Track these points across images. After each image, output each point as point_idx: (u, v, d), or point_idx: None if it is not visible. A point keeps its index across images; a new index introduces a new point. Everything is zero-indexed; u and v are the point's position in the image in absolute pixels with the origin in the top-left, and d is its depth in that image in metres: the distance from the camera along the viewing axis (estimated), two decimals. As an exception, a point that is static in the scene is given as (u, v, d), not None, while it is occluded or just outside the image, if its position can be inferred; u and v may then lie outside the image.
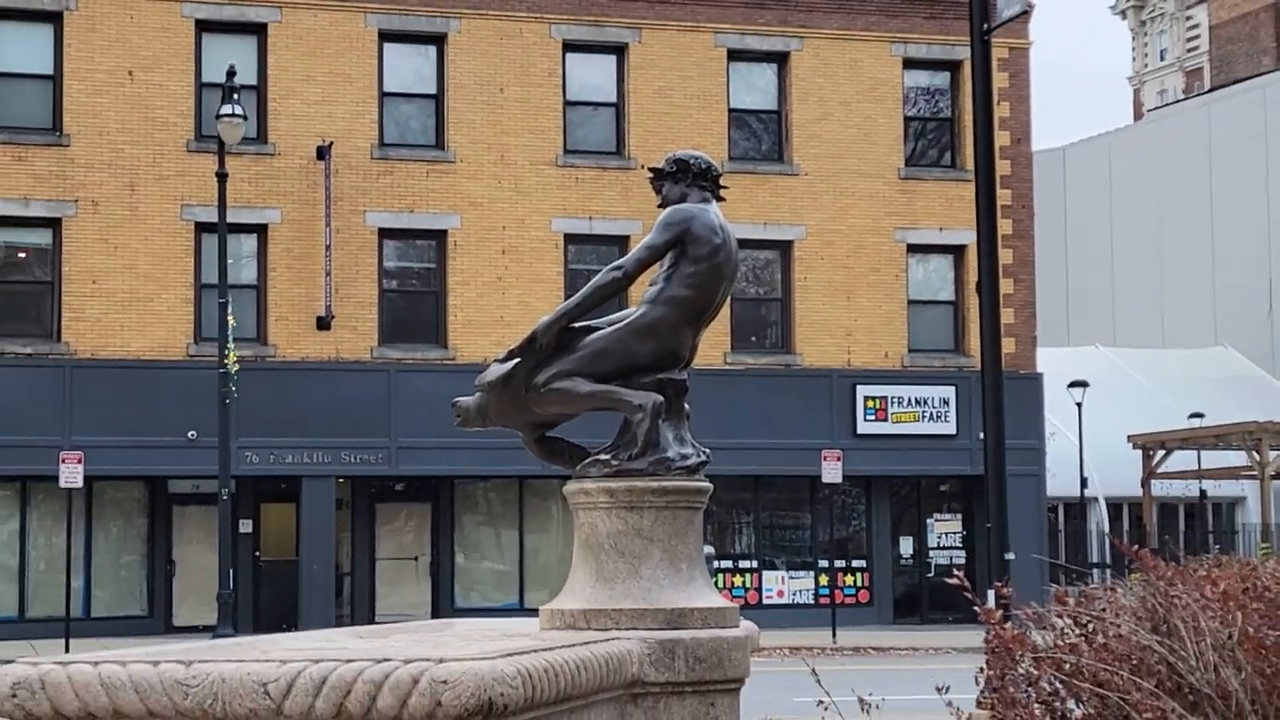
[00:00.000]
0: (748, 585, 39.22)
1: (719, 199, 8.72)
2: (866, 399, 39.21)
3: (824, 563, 39.14)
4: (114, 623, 34.59)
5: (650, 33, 38.69)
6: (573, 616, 7.32)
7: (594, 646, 5.96)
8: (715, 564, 38.19)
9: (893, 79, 40.25)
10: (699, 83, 38.89)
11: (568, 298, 37.75)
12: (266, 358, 35.51)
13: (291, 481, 35.95)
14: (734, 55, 39.42)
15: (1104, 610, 5.38)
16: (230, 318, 31.19)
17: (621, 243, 38.00)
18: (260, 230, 35.85)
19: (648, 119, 38.33)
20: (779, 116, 39.84)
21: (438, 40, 37.48)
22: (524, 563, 37.95)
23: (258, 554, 36.78)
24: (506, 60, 37.59)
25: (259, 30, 36.36)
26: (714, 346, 38.16)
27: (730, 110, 39.30)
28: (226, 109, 31.18)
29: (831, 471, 34.53)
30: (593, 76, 38.69)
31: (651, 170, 8.82)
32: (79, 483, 31.49)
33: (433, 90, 37.50)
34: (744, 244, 38.28)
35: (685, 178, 8.57)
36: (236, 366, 31.45)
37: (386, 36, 37.16)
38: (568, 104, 38.24)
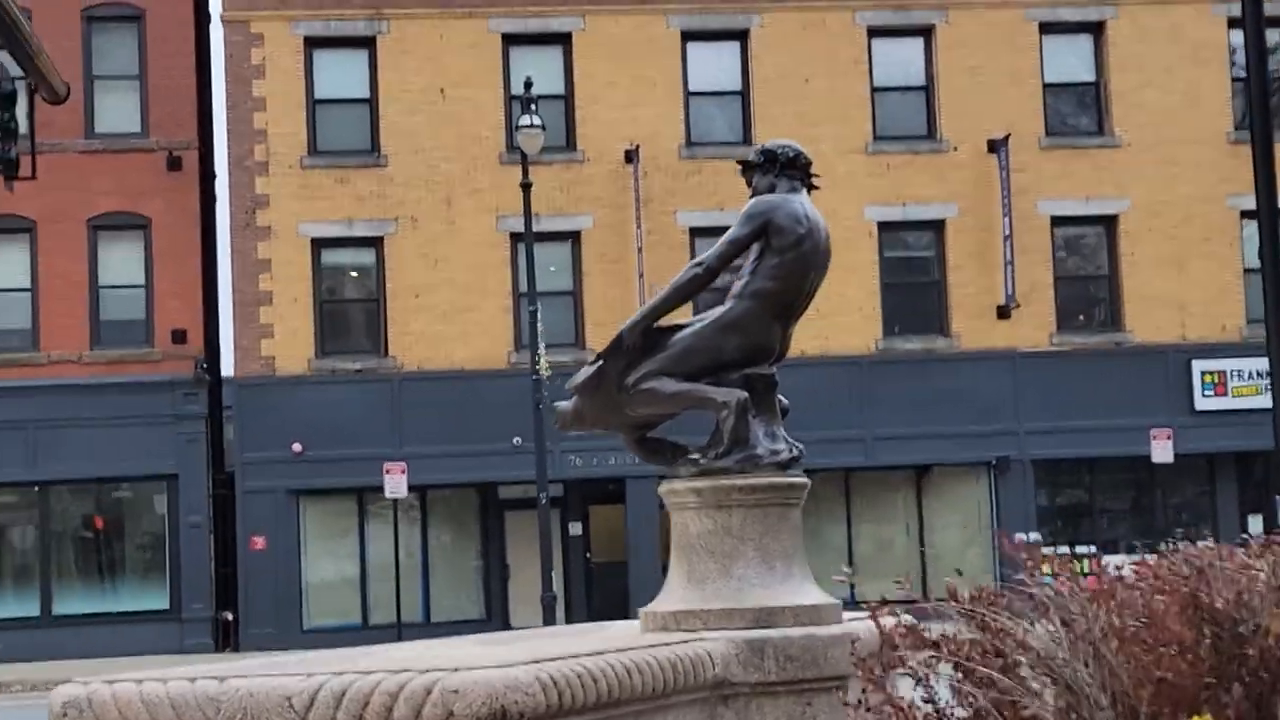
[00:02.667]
0: (1087, 570, 37.97)
1: (811, 187, 8.53)
2: (1204, 374, 37.69)
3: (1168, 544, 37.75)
4: (453, 627, 35.40)
5: (957, 12, 37.94)
6: (664, 619, 7.19)
7: (659, 649, 5.82)
8: (1050, 549, 37.21)
9: (1217, 40, 38.60)
10: (1010, 59, 37.97)
11: (883, 285, 37.21)
12: (582, 362, 35.83)
13: (618, 483, 36.38)
14: (1046, 28, 38.35)
15: (1006, 604, 5.02)
16: (540, 324, 31.68)
17: (936, 227, 37.45)
18: (573, 236, 36.40)
19: (959, 100, 37.60)
20: (1096, 87, 38.62)
21: (740, 36, 37.45)
22: (853, 555, 37.60)
23: (588, 555, 37.32)
24: (810, 50, 37.33)
25: (564, 40, 36.92)
26: (1038, 328, 37.29)
27: (1045, 85, 38.27)
28: (525, 120, 31.71)
29: (1161, 451, 33.30)
30: (900, 60, 38.12)
31: (740, 162, 8.71)
32: (404, 493, 32.45)
33: (738, 86, 37.50)
34: (1066, 220, 37.64)
35: (773, 168, 8.43)
36: (549, 372, 31.91)
37: (689, 36, 37.30)
38: (875, 90, 37.77)
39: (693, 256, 36.37)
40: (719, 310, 8.29)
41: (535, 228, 35.04)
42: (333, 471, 34.78)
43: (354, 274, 36.95)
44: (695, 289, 8.37)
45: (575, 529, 37.25)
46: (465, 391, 35.22)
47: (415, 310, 35.68)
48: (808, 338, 36.07)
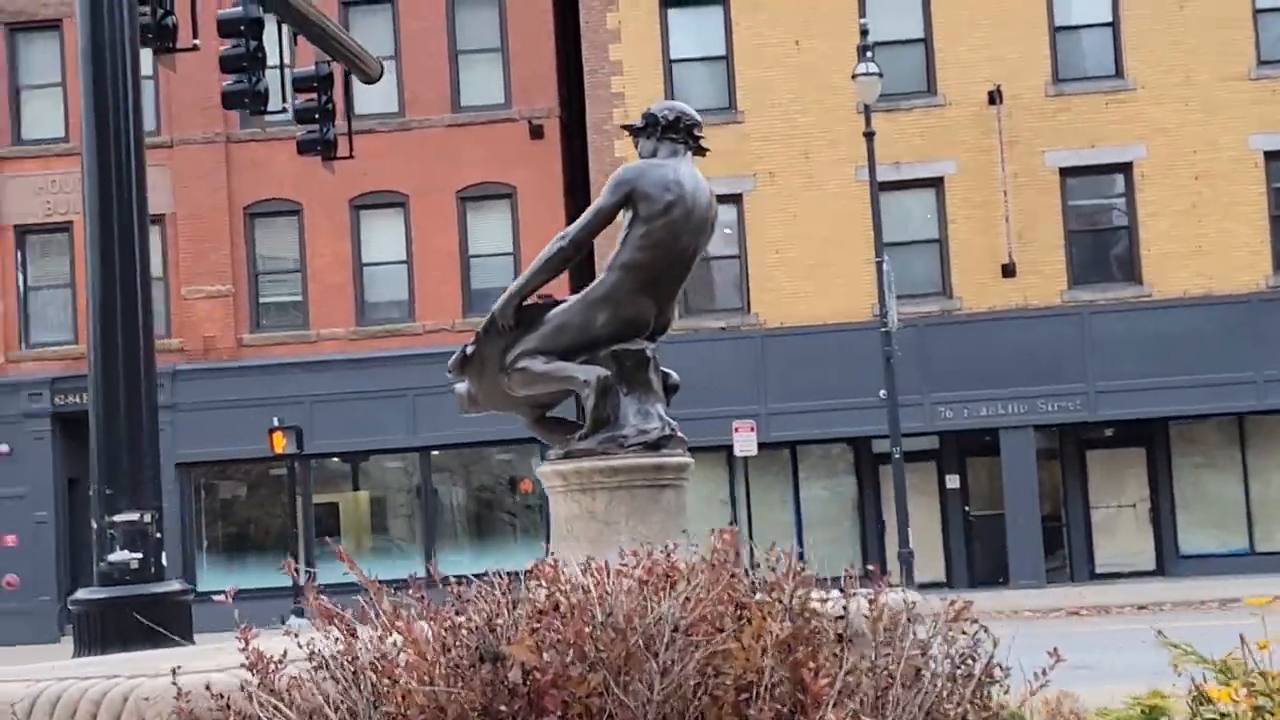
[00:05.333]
0: None
1: (697, 151, 8.07)
2: None
3: None
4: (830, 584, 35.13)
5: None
6: None
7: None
8: None
9: None
10: None
11: (1272, 217, 34.95)
12: (952, 311, 35.14)
13: (992, 434, 35.41)
14: None
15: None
16: (891, 275, 31.04)
17: (1331, 154, 35.11)
18: (936, 183, 35.48)
19: (1352, 15, 35.11)
20: None
21: (1109, -37, 35.79)
22: (1250, 503, 35.70)
23: (966, 509, 36.47)
24: (1185, -26, 35.43)
25: (922, -19, 36.00)
26: None
27: None
28: (860, 69, 31.06)
29: None
30: (1285, -24, 35.82)
31: (624, 127, 8.30)
32: (754, 451, 32.35)
33: (1107, 18, 35.77)
34: None
35: (655, 132, 8.10)
36: (897, 325, 31.29)
37: (1053, -32, 35.89)
38: (1258, 11, 35.55)
39: (1063, 198, 35.20)
40: (593, 284, 7.99)
41: (896, 176, 34.59)
42: (699, 430, 34.43)
43: (722, 231, 36.87)
44: (561, 263, 8.15)
45: (952, 482, 36.45)
46: (830, 346, 34.76)
47: (775, 266, 35.41)
48: (1189, 277, 34.44)
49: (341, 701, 4.21)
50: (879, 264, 31.11)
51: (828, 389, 34.52)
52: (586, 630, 4.12)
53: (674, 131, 8.22)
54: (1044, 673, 4.95)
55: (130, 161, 11.07)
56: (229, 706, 4.35)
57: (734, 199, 35.74)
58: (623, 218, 8.19)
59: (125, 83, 11.07)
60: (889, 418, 31.08)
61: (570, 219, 36.85)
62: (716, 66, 36.28)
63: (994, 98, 34.95)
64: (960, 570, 36.01)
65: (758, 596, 4.51)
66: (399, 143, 36.12)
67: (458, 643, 4.21)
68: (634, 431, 7.76)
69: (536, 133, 36.28)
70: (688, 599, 4.32)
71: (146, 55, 16.06)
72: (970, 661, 4.91)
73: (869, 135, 31.53)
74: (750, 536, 35.17)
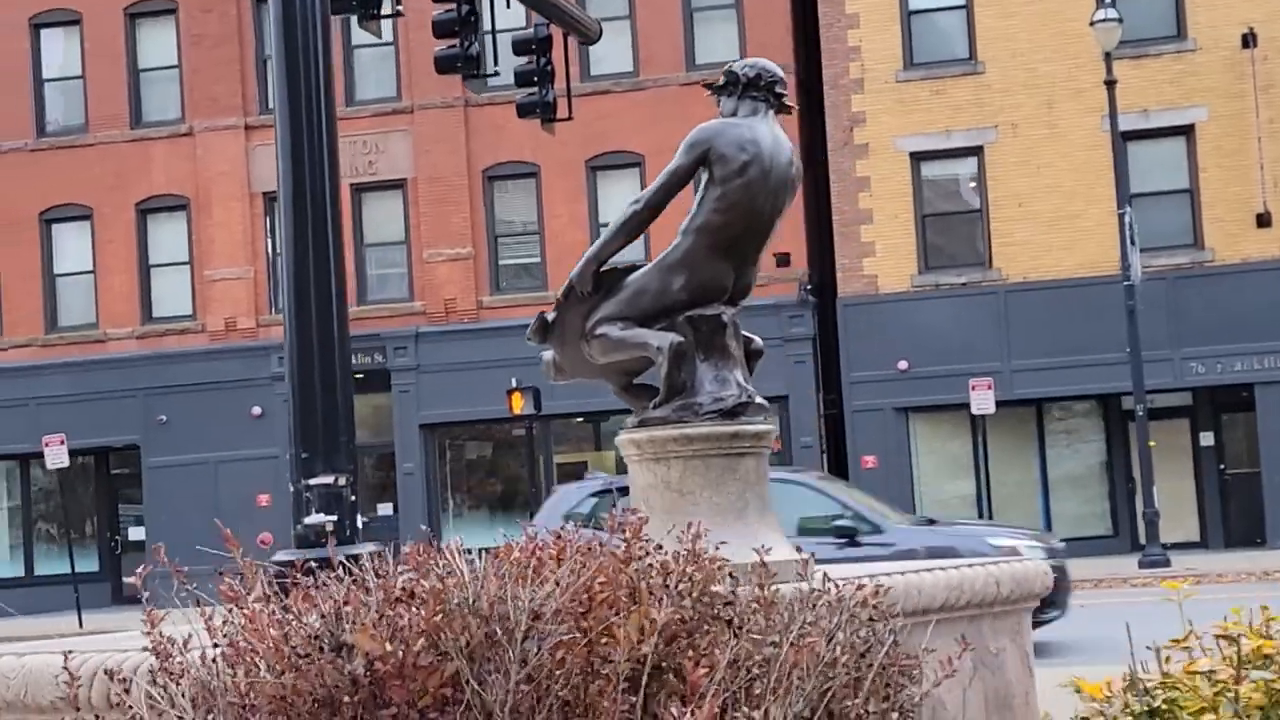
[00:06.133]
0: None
1: (781, 109, 7.66)
2: None
3: None
4: (1078, 544, 34.19)
5: None
6: None
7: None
8: None
9: None
10: None
11: None
12: (1203, 263, 33.93)
13: (1248, 389, 34.18)
14: None
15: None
16: (1131, 225, 30.07)
17: None
18: (1187, 131, 34.26)
19: None
20: None
21: (1371, -104, 34.10)
22: None
23: (1221, 467, 35.28)
24: None
25: (1168, -77, 34.72)
26: None
27: None
28: (1099, 14, 30.10)
29: None
30: None
31: (706, 86, 7.95)
32: (991, 409, 31.74)
33: (1370, -48, 34.21)
34: None
35: (735, 90, 7.74)
36: (1143, 278, 30.32)
37: (1311, -98, 34.30)
38: None
39: (1324, 145, 33.73)
40: (669, 247, 7.75)
41: (1145, 124, 33.66)
42: (940, 388, 34.21)
43: (962, 185, 36.14)
44: (636, 226, 7.83)
45: (1206, 439, 35.28)
46: (1075, 300, 33.85)
47: (1018, 219, 34.57)
48: None
49: (217, 689, 4.14)
50: (1120, 215, 30.18)
51: (1073, 345, 33.65)
52: (438, 618, 3.93)
53: (754, 89, 7.92)
54: (950, 661, 4.97)
55: (322, 131, 11.13)
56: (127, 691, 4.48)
57: (975, 151, 35.07)
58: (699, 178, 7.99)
59: (317, 52, 11.14)
60: (1133, 373, 30.19)
61: (805, 175, 36.52)
62: (956, 16, 35.49)
63: (1248, 41, 33.62)
64: (1215, 531, 34.88)
65: (645, 581, 4.30)
66: (634, 102, 36.10)
67: (301, 630, 4.06)
68: (709, 399, 7.54)
69: (771, 88, 35.85)
70: (558, 584, 4.09)
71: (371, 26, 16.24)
72: (875, 650, 4.78)
73: (1110, 83, 30.55)
74: (989, 497, 34.59)
